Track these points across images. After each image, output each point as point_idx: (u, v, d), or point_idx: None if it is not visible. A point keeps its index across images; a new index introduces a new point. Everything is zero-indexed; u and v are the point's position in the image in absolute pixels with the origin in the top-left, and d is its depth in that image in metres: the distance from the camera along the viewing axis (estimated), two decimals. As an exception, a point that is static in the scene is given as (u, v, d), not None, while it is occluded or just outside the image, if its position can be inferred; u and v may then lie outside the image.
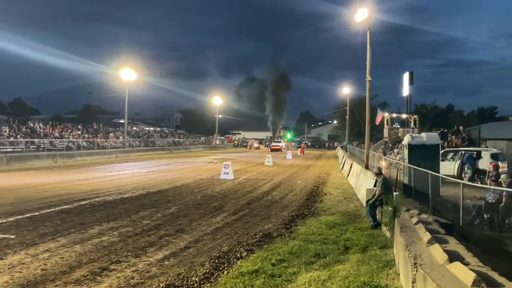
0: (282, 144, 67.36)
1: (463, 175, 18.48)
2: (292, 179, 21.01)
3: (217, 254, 7.32)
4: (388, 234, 8.43)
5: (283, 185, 18.33)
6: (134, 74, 47.03)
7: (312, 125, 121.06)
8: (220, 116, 76.60)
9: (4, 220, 9.73)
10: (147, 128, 71.42)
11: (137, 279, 6.04)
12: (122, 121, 57.04)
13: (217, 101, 73.04)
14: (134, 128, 65.30)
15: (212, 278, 6.08)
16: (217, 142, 74.90)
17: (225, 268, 6.52)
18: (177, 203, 12.85)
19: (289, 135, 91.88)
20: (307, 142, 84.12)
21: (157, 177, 20.66)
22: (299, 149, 61.44)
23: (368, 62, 23.99)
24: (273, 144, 66.45)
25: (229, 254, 7.34)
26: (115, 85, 51.88)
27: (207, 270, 6.40)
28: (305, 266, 6.49)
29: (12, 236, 8.26)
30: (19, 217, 10.18)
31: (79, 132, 42.80)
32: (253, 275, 6.07)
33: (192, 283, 5.87)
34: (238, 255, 7.26)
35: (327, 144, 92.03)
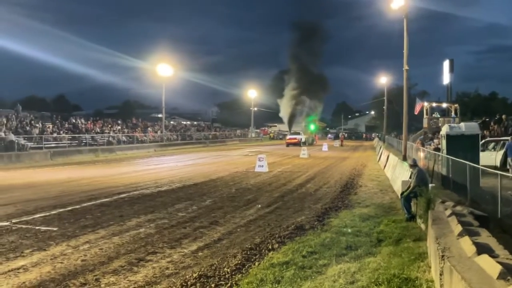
0: (301, 137, 53.49)
1: (507, 166, 17.84)
2: (327, 172, 20.91)
3: (249, 246, 7.44)
4: (423, 226, 8.31)
5: (317, 178, 18.29)
6: (171, 69, 47.82)
7: (349, 116, 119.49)
8: (256, 109, 76.84)
9: (48, 213, 10.21)
10: (184, 122, 72.52)
11: (171, 270, 6.25)
12: (160, 115, 58.16)
13: (252, 94, 73.24)
14: (172, 122, 66.45)
15: (243, 269, 6.21)
16: (253, 135, 75.21)
17: (257, 260, 6.63)
18: (212, 196, 13.08)
19: (312, 126, 72.26)
20: (344, 133, 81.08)
21: (193, 171, 21.04)
22: (336, 141, 60.46)
23: (405, 51, 23.48)
24: (289, 137, 53.88)
25: (261, 246, 7.45)
26: (153, 80, 52.89)
27: (239, 261, 6.53)
28: (336, 258, 6.52)
29: (55, 229, 8.67)
30: (61, 210, 10.66)
31: (119, 127, 44.00)
32: (284, 266, 6.15)
33: (223, 273, 6.01)
34: (270, 247, 7.36)
35: (364, 135, 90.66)
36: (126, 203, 11.79)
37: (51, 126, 35.52)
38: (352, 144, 62.20)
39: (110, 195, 13.13)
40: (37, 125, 34.10)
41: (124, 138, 40.42)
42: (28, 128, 32.16)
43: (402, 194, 10.08)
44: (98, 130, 39.79)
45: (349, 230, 8.47)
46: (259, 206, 10.97)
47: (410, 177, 10.43)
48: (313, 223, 9.36)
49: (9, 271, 6.08)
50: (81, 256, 6.83)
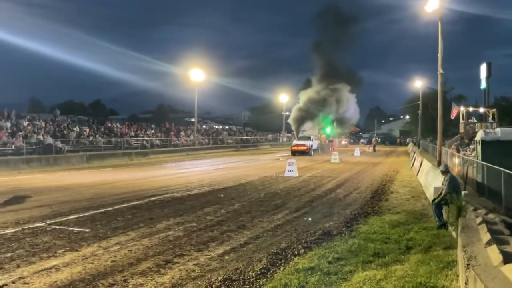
0: (313, 143, 42.21)
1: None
2: (358, 177, 20.66)
3: (275, 251, 7.45)
4: (454, 234, 8.11)
5: (348, 183, 18.09)
6: (203, 74, 48.41)
7: (383, 121, 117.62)
8: (287, 113, 76.57)
9: (81, 215, 10.52)
10: (216, 126, 73.17)
11: (197, 272, 6.33)
12: (192, 120, 58.96)
13: (284, 98, 73.17)
14: (204, 127, 67.19)
15: (268, 273, 6.22)
16: (284, 139, 75.02)
17: (282, 264, 6.64)
18: (240, 200, 13.16)
19: (328, 129, 59.72)
20: (377, 138, 79.29)
21: (224, 175, 21.21)
22: (369, 146, 59.39)
23: (440, 54, 22.94)
24: (296, 143, 41.84)
25: (287, 251, 7.44)
26: (186, 85, 53.65)
27: (264, 266, 6.55)
28: (362, 265, 6.44)
29: (87, 230, 8.93)
30: (94, 212, 10.97)
31: (153, 131, 44.87)
32: (309, 272, 6.13)
33: (248, 277, 6.05)
34: (296, 252, 7.35)
35: (398, 140, 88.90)
36: (157, 206, 12.01)
37: (87, 130, 36.59)
38: (385, 149, 61.08)
39: (141, 197, 13.40)
40: (74, 129, 35.20)
41: (157, 142, 41.19)
42: (65, 131, 33.24)
43: (433, 201, 9.86)
44: (132, 134, 40.69)
45: (378, 237, 8.35)
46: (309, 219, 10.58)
47: (443, 184, 10.20)
48: (341, 229, 9.28)
49: (41, 270, 6.31)
50: (111, 257, 7.02)
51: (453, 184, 9.45)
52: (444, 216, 9.30)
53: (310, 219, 10.41)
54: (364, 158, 37.31)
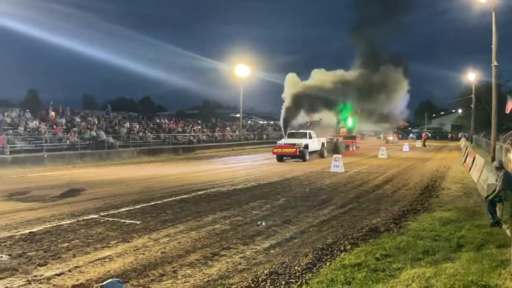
0: (309, 141, 28.33)
1: None
2: (406, 173, 20.13)
3: (321, 246, 7.43)
4: (508, 232, 7.76)
5: (396, 179, 17.68)
6: (248, 70, 48.66)
7: (433, 115, 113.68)
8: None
9: (132, 208, 10.91)
10: (261, 122, 73.37)
11: (244, 265, 6.42)
12: (237, 115, 59.47)
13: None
14: (249, 122, 67.61)
15: (314, 268, 6.21)
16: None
17: (328, 260, 6.60)
18: (285, 195, 13.18)
19: (350, 122, 43.22)
20: (427, 133, 76.35)
21: (269, 170, 21.31)
22: (418, 141, 57.02)
23: (494, 46, 21.97)
24: (282, 143, 28.40)
25: (333, 247, 7.40)
26: (232, 81, 54.10)
27: (310, 261, 6.55)
28: (411, 262, 6.30)
29: (138, 222, 9.25)
30: (144, 205, 11.34)
31: (199, 127, 45.70)
32: (355, 268, 6.07)
33: (294, 272, 6.07)
34: (342, 248, 7.28)
35: (449, 135, 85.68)
36: (204, 200, 12.25)
37: (137, 125, 37.75)
38: (435, 144, 59.03)
39: (189, 191, 13.71)
40: (125, 125, 36.38)
41: (203, 137, 41.90)
42: (117, 127, 34.43)
43: (486, 198, 9.47)
44: (180, 129, 41.59)
45: (427, 234, 8.13)
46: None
47: (497, 180, 9.77)
48: (388, 225, 9.10)
49: (96, 260, 6.61)
50: (161, 249, 7.24)
51: (508, 181, 9.03)
52: (498, 213, 8.91)
53: (357, 214, 10.29)
54: (413, 154, 36.28)
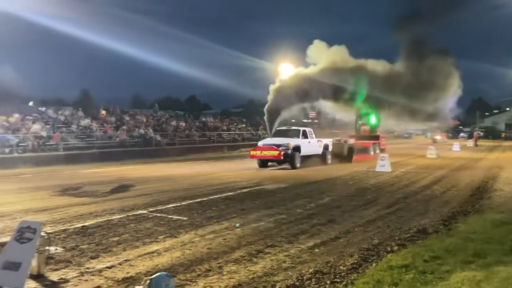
0: (300, 142, 21.94)
1: None
2: (456, 174, 19.44)
3: (367, 246, 7.31)
4: None
5: (445, 180, 17.12)
6: (292, 68, 48.44)
7: (486, 114, 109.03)
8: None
9: (179, 204, 11.17)
10: (305, 120, 72.90)
11: (288, 263, 6.43)
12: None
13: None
14: (293, 121, 67.36)
15: (359, 268, 6.14)
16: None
17: (374, 261, 6.50)
18: (330, 194, 13.06)
19: (373, 119, 34.93)
20: (479, 132, 73.12)
21: (313, 169, 21.18)
22: (469, 140, 54.74)
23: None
24: (263, 144, 22.47)
25: (379, 247, 7.27)
26: (275, 80, 53.91)
27: (355, 261, 6.47)
28: (461, 265, 6.09)
29: (185, 218, 9.45)
30: (191, 201, 11.57)
31: (244, 125, 46.08)
32: (403, 269, 5.93)
33: (339, 271, 6.02)
34: (389, 249, 7.14)
35: (503, 134, 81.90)
36: (248, 198, 12.36)
37: (184, 124, 38.54)
38: (488, 144, 56.49)
39: (234, 189, 13.87)
40: (172, 123, 37.24)
41: (248, 136, 42.21)
42: (164, 126, 35.30)
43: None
44: (225, 128, 42.10)
45: (478, 236, 7.83)
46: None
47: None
48: (437, 227, 8.83)
49: (144, 254, 6.81)
50: (207, 245, 7.37)
51: None
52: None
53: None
54: (464, 153, 34.96)
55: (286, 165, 21.68)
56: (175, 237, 7.88)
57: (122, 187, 14.34)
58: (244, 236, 8.03)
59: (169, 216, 9.64)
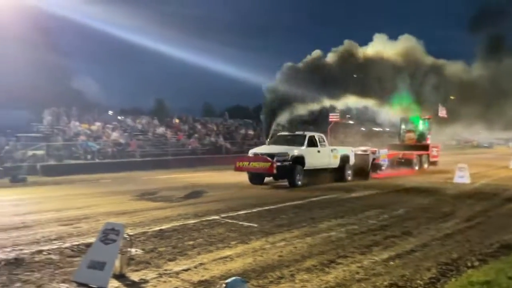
0: (304, 151, 17.28)
1: None
2: (544, 186, 18.01)
3: (445, 261, 6.99)
4: None
5: (531, 192, 15.93)
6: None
7: None
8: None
9: (249, 211, 11.36)
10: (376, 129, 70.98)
11: (361, 275, 6.31)
12: (351, 122, 58.41)
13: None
14: (362, 129, 65.83)
15: (437, 283, 5.88)
16: (453, 142, 69.03)
17: (453, 276, 6.20)
18: (404, 206, 12.61)
19: (421, 124, 28.37)
20: None
21: (384, 179, 20.60)
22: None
23: None
24: (253, 152, 17.91)
25: (458, 262, 6.92)
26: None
27: (433, 275, 6.21)
28: (551, 285, 5.66)
29: (255, 225, 9.58)
30: (260, 208, 11.73)
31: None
32: (484, 286, 5.62)
33: (416, 285, 5.81)
34: (469, 264, 6.78)
35: None
36: (317, 206, 12.29)
37: (252, 132, 39.09)
38: None
39: (302, 198, 13.84)
40: (241, 131, 37.94)
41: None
42: (233, 134, 36.05)
43: None
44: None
45: None
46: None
47: None
48: (523, 243, 8.25)
49: (218, 258, 6.99)
50: (277, 252, 7.42)
51: None
52: None
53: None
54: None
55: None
56: (246, 243, 8.01)
57: (195, 193, 14.82)
58: (315, 245, 7.98)
59: (240, 223, 9.81)
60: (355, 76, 26.69)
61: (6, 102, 28.44)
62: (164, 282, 5.90)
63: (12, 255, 7.03)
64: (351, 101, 27.82)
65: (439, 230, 9.37)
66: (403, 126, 29.13)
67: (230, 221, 10.00)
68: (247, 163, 17.10)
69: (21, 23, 28.23)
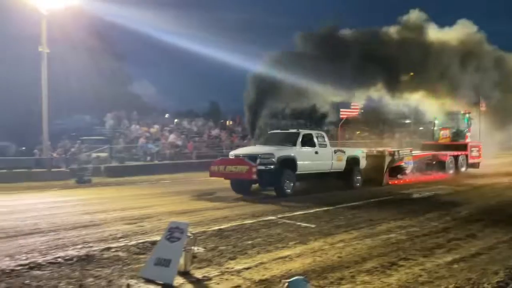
0: (296, 151, 14.64)
1: None
2: None
3: (514, 265, 6.69)
4: None
5: None
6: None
7: None
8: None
9: (306, 212, 11.41)
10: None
11: (425, 278, 6.16)
12: (408, 121, 56.80)
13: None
14: (420, 128, 63.83)
15: (507, 287, 5.66)
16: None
17: (523, 280, 5.93)
18: (467, 207, 12.14)
19: (459, 121, 24.84)
20: None
21: (447, 180, 19.90)
22: None
23: None
24: (233, 154, 15.58)
25: (529, 266, 6.60)
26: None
27: (501, 279, 5.97)
28: None
29: (313, 226, 9.58)
30: (317, 209, 11.71)
31: (366, 134, 45.02)
32: (560, 292, 5.34)
33: (483, 290, 5.62)
34: (541, 269, 6.45)
35: None
36: (375, 208, 12.10)
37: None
38: None
39: (360, 199, 13.66)
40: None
41: (372, 145, 41.20)
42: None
43: None
44: (347, 136, 41.60)
45: None
46: None
47: None
48: None
49: (278, 258, 7.06)
50: (337, 253, 7.39)
51: None
52: None
53: None
54: None
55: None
56: (305, 243, 8.03)
57: (250, 194, 14.99)
58: (374, 247, 7.88)
59: (298, 223, 9.85)
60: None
61: (70, 107, 30.13)
62: (226, 280, 6.05)
63: (83, 252, 7.46)
64: (414, 98, 24.58)
65: (506, 233, 8.94)
66: (436, 122, 25.78)
67: (287, 221, 10.07)
68: (223, 167, 14.42)
69: (82, 31, 29.82)
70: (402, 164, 18.74)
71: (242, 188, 15.03)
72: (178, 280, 5.91)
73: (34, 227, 9.43)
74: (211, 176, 15.14)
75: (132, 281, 5.89)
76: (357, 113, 28.81)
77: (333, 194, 14.99)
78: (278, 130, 17.57)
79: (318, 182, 16.14)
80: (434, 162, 21.08)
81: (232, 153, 15.52)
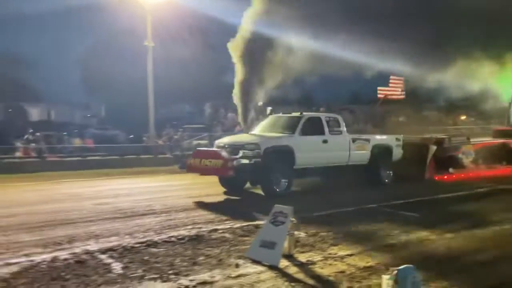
0: (305, 140, 11.87)
1: None
2: None
3: None
4: None
5: None
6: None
7: None
8: None
9: (407, 200, 11.11)
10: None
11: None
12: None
13: None
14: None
15: None
16: None
17: None
18: None
19: None
20: None
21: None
22: None
23: None
24: (219, 142, 12.60)
25: None
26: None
27: None
28: None
29: (417, 215, 9.31)
30: (419, 199, 11.41)
31: (473, 119, 42.11)
32: None
33: None
34: None
35: None
36: (481, 199, 11.57)
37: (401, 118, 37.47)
38: None
39: (467, 189, 12.93)
40: (391, 118, 36.59)
41: (478, 131, 38.47)
42: (385, 120, 34.98)
43: None
44: (451, 122, 39.40)
45: None
46: None
47: None
48: None
49: (382, 246, 6.99)
50: (444, 243, 7.12)
51: None
52: None
53: None
54: None
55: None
56: (410, 232, 7.81)
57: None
58: (486, 238, 7.45)
59: (400, 212, 9.60)
60: None
61: (171, 97, 31.86)
62: (330, 265, 6.11)
63: (193, 232, 7.96)
64: None
65: None
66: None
67: (388, 210, 9.86)
68: (199, 160, 11.87)
69: (182, 25, 31.22)
70: (458, 155, 15.47)
71: (231, 184, 12.58)
72: (283, 263, 6.09)
73: (148, 209, 10.21)
74: (187, 171, 13.03)
75: (240, 261, 6.18)
76: (401, 92, 23.95)
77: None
78: (280, 114, 14.30)
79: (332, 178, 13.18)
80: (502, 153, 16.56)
81: (217, 142, 12.81)
